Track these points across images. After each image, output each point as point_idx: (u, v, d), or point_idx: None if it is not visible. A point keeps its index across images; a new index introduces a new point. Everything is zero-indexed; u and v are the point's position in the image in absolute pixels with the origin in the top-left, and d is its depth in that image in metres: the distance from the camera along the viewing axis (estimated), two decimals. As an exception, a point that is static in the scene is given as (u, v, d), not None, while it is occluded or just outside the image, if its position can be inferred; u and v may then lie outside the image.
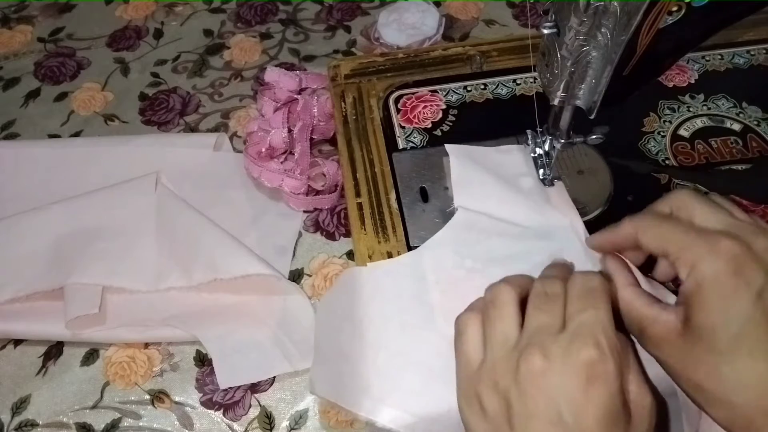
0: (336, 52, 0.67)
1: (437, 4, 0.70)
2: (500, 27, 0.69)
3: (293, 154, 0.54)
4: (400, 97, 0.54)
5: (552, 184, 0.45)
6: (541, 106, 0.42)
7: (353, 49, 0.68)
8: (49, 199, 0.53)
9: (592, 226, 0.44)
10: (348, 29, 0.70)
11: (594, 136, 0.42)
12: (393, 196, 0.48)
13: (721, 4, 0.34)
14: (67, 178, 0.56)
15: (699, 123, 0.52)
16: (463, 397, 0.32)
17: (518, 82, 0.55)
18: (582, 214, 0.45)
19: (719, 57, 0.56)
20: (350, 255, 0.52)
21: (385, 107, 0.54)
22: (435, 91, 0.55)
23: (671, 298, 0.35)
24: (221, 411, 0.45)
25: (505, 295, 0.32)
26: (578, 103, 0.38)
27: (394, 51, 0.63)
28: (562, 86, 0.37)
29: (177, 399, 0.46)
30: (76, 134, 0.61)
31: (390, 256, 0.44)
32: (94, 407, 0.45)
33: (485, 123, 0.52)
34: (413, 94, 0.54)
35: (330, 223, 0.54)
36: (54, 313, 0.47)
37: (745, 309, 0.27)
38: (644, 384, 0.29)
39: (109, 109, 0.63)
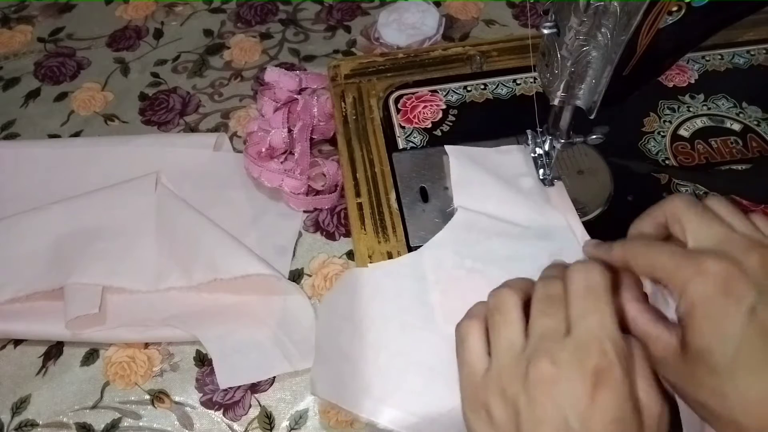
0: (336, 52, 0.67)
1: (437, 4, 0.70)
2: (500, 27, 0.69)
3: (293, 154, 0.54)
4: (400, 97, 0.54)
5: (552, 184, 0.45)
6: (541, 106, 0.42)
7: (353, 49, 0.68)
8: (49, 199, 0.53)
9: (592, 226, 0.44)
10: (348, 29, 0.70)
11: (594, 136, 0.42)
12: (393, 196, 0.48)
13: (721, 4, 0.35)
14: (67, 178, 0.56)
15: (699, 123, 0.52)
16: (468, 406, 0.31)
17: (518, 82, 0.55)
18: (582, 214, 0.45)
19: (719, 57, 0.56)
20: (350, 255, 0.52)
21: (385, 107, 0.54)
22: (435, 91, 0.55)
23: None
24: (221, 411, 0.45)
25: (509, 300, 0.31)
26: (578, 103, 0.38)
27: (394, 51, 0.63)
28: (562, 86, 0.37)
29: (177, 399, 0.46)
30: (76, 134, 0.61)
31: (390, 256, 0.44)
32: (94, 407, 0.45)
33: (485, 123, 0.52)
34: (413, 94, 0.54)
35: (330, 223, 0.54)
36: (54, 313, 0.47)
37: (739, 328, 0.27)
38: (654, 389, 0.28)
39: (109, 109, 0.63)
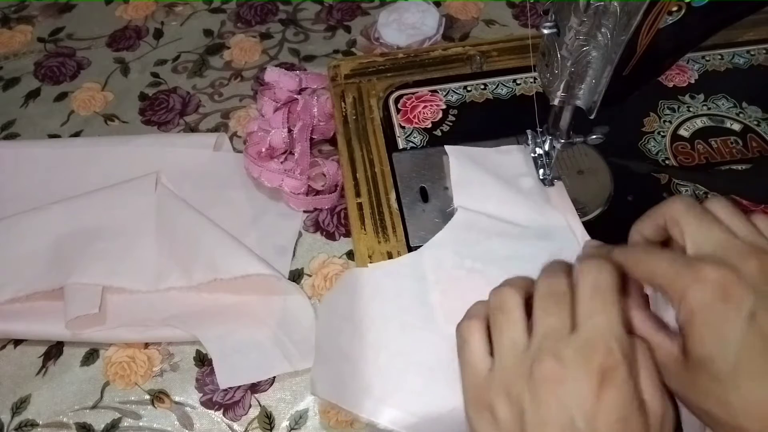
0: (336, 52, 0.67)
1: (437, 4, 0.70)
2: (500, 27, 0.69)
3: (293, 154, 0.54)
4: (400, 97, 0.54)
5: (552, 184, 0.45)
6: (541, 106, 0.42)
7: (353, 49, 0.68)
8: (49, 199, 0.53)
9: (592, 226, 0.44)
10: (348, 29, 0.70)
11: (594, 136, 0.42)
12: (393, 196, 0.48)
13: (721, 4, 0.35)
14: (67, 178, 0.56)
15: (699, 123, 0.52)
16: (472, 407, 0.31)
17: (518, 82, 0.55)
18: (582, 214, 0.45)
19: (719, 57, 0.56)
20: (350, 255, 0.52)
21: (385, 107, 0.54)
22: (435, 91, 0.55)
23: None
24: (221, 411, 0.45)
25: (511, 300, 0.31)
26: (578, 103, 0.38)
27: (394, 51, 0.63)
28: (562, 86, 0.37)
29: (177, 399, 0.46)
30: (76, 134, 0.61)
31: (390, 256, 0.44)
32: (94, 407, 0.45)
33: (485, 123, 0.52)
34: (413, 94, 0.54)
35: (330, 223, 0.54)
36: (54, 313, 0.47)
37: (739, 334, 0.27)
38: (659, 390, 0.28)
39: (109, 109, 0.63)
